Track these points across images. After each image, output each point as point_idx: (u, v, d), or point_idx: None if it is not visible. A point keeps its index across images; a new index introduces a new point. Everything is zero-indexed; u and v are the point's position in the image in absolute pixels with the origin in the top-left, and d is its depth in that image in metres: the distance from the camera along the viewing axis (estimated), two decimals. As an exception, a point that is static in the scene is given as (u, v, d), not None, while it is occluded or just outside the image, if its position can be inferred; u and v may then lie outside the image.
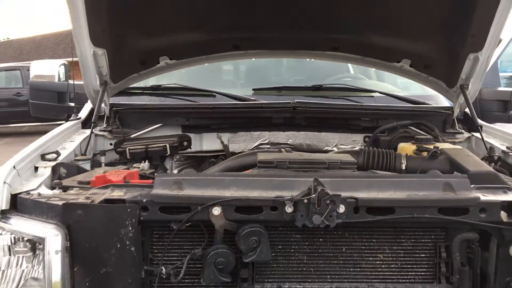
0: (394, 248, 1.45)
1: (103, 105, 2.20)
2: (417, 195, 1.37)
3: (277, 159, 1.62)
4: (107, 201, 1.32)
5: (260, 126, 2.26)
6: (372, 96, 2.49)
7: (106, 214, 1.30)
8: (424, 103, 2.42)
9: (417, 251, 1.46)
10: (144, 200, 1.32)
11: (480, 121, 2.32)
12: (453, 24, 2.05)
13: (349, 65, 2.94)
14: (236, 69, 2.96)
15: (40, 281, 1.32)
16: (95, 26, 1.91)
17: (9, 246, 1.34)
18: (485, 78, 2.79)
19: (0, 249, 1.34)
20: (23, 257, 1.35)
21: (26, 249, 1.34)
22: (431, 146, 1.86)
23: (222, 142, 2.27)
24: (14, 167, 1.46)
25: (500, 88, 2.79)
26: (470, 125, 2.38)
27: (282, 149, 1.98)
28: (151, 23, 2.05)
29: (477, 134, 2.23)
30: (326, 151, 2.19)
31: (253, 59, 2.62)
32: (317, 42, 2.22)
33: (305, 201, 1.29)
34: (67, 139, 1.99)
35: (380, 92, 2.47)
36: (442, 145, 1.89)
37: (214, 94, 2.39)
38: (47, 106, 2.88)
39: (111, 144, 2.19)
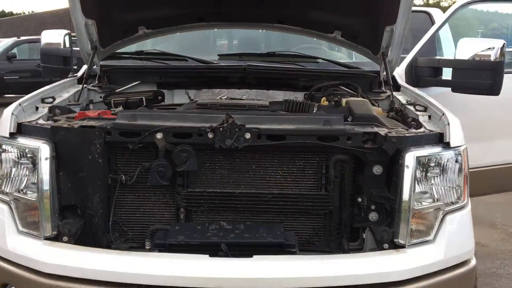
0: (290, 166, 1.99)
1: (96, 66, 2.79)
2: (303, 127, 1.91)
3: (210, 103, 2.19)
4: (82, 126, 1.90)
5: (220, 84, 2.80)
6: (317, 62, 3.00)
7: (80, 135, 1.88)
8: (357, 68, 2.92)
9: (307, 169, 1.99)
10: (108, 127, 1.89)
11: (402, 84, 2.82)
12: (371, 1, 2.54)
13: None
14: (209, 39, 3.49)
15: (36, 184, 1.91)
16: (86, 1, 2.47)
17: (15, 160, 1.93)
18: (424, 49, 3.29)
19: (10, 161, 1.93)
20: (25, 167, 1.93)
21: (28, 161, 1.92)
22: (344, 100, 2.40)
23: (189, 97, 2.82)
24: (20, 104, 2.05)
25: (433, 58, 3.25)
26: (395, 86, 2.88)
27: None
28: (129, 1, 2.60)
29: (396, 93, 2.73)
30: None
31: (224, 30, 3.16)
32: (266, 16, 2.74)
33: (221, 129, 1.85)
34: (63, 90, 2.57)
35: (323, 59, 2.98)
36: (352, 99, 2.41)
37: (186, 58, 2.94)
38: (55, 69, 3.46)
39: (101, 97, 2.76)
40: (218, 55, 3.02)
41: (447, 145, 1.93)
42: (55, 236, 1.86)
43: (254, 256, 1.73)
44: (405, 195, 1.84)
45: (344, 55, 3.30)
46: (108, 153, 1.94)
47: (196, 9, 2.69)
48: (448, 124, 1.96)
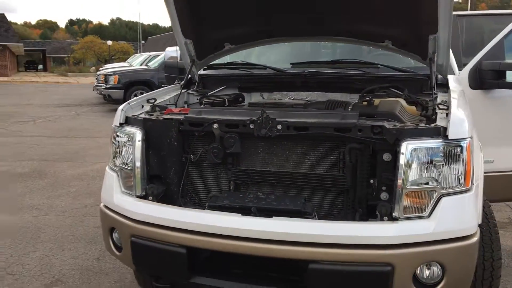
0: (315, 152, 2.50)
1: (195, 75, 3.58)
2: (323, 120, 2.42)
3: (257, 102, 2.79)
4: (164, 118, 2.65)
5: (288, 88, 3.39)
6: (378, 67, 3.41)
7: (162, 125, 2.62)
8: (412, 72, 3.26)
9: (328, 154, 2.49)
10: (181, 119, 2.61)
11: (453, 86, 3.11)
12: (411, 14, 2.91)
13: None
14: (284, 51, 4.07)
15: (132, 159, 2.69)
16: (184, 25, 3.24)
17: (123, 142, 2.74)
18: (491, 53, 3.50)
19: (120, 142, 2.75)
20: (127, 147, 2.73)
21: (129, 143, 2.72)
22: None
23: (263, 99, 3.45)
24: (128, 103, 2.87)
25: (495, 61, 3.42)
26: (446, 88, 3.16)
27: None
28: (217, 22, 3.31)
29: (442, 95, 3.03)
30: None
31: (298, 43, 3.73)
32: (326, 31, 3.25)
33: (258, 121, 2.45)
34: (166, 94, 3.38)
35: (382, 65, 3.37)
36: (386, 100, 2.82)
37: (265, 67, 3.58)
38: (173, 77, 4.36)
39: (197, 99, 3.53)
40: (290, 63, 3.61)
41: (446, 138, 2.28)
42: (143, 196, 2.63)
43: (274, 217, 2.29)
44: (399, 177, 2.24)
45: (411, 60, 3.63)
46: (182, 138, 2.66)
47: (268, 27, 3.30)
48: (449, 120, 2.30)
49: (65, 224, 4.74)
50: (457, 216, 2.28)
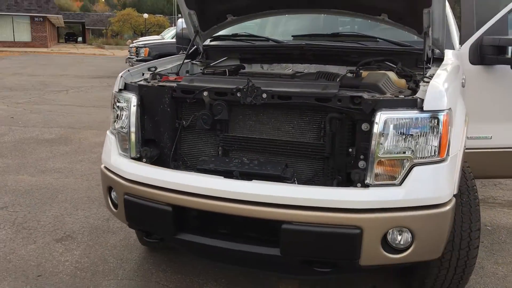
0: (299, 121, 2.61)
1: (199, 46, 3.70)
2: (305, 90, 2.52)
3: (248, 72, 2.90)
4: (158, 85, 2.80)
5: (287, 60, 3.48)
6: (377, 41, 3.45)
7: (156, 91, 2.78)
8: (409, 46, 3.29)
9: (311, 123, 2.59)
10: (174, 86, 2.76)
11: (448, 60, 3.13)
12: None
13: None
14: (288, 23, 4.13)
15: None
16: None
17: (121, 106, 2.91)
18: (493, 29, 3.48)
19: (119, 107, 2.92)
20: (124, 111, 2.87)
21: (126, 107, 2.87)
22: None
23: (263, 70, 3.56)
24: (128, 70, 3.03)
25: (496, 37, 3.39)
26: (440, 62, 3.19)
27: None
28: None
29: (435, 69, 3.06)
30: None
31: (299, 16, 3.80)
32: (324, 3, 3.31)
33: (244, 89, 2.57)
34: (169, 63, 3.52)
35: (381, 38, 3.41)
36: (374, 72, 2.88)
37: (267, 39, 3.67)
38: (184, 48, 4.50)
39: (201, 69, 3.67)
40: (292, 36, 3.69)
41: (421, 109, 2.34)
42: (138, 158, 2.80)
43: (253, 180, 2.43)
44: (372, 146, 2.34)
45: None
46: (175, 104, 2.80)
47: (268, -1, 3.38)
48: (425, 92, 2.36)
49: (82, 187, 5.01)
50: (428, 185, 2.36)
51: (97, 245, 3.64)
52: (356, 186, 2.40)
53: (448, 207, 2.39)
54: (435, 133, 2.36)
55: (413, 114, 2.34)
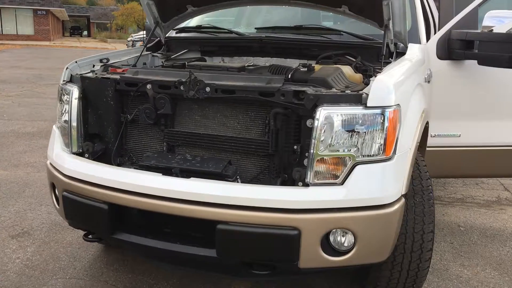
0: (245, 116, 2.49)
1: (161, 38, 3.59)
2: (248, 84, 2.40)
3: (195, 64, 2.78)
4: (101, 77, 2.69)
5: (247, 53, 3.36)
6: (341, 34, 3.32)
7: (99, 83, 2.67)
8: (372, 40, 3.16)
9: (257, 119, 2.47)
10: (117, 78, 2.65)
11: (409, 55, 3.00)
12: None
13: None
14: (251, 15, 4.01)
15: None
16: None
17: (66, 99, 2.80)
18: (462, 22, 3.34)
19: (64, 100, 2.82)
20: (67, 104, 2.76)
21: (68, 100, 2.75)
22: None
23: (224, 63, 3.44)
24: (76, 61, 2.92)
25: (463, 30, 3.24)
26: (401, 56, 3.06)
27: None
28: None
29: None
30: None
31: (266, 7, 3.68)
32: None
33: (187, 83, 2.45)
34: (126, 55, 3.40)
35: (345, 32, 3.28)
36: (326, 66, 2.76)
37: (229, 31, 3.55)
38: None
39: (162, 61, 3.56)
40: (255, 28, 3.56)
41: (365, 106, 2.22)
42: (80, 153, 2.70)
43: (191, 178, 2.32)
44: (312, 143, 2.22)
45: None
46: (120, 97, 2.69)
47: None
48: (371, 87, 2.24)
49: (52, 181, 4.92)
50: (372, 184, 2.24)
51: (53, 242, 3.55)
52: (297, 185, 2.28)
53: (394, 208, 2.27)
54: (380, 130, 2.24)
55: (356, 110, 2.22)
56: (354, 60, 3.01)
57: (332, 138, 2.22)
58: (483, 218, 4.28)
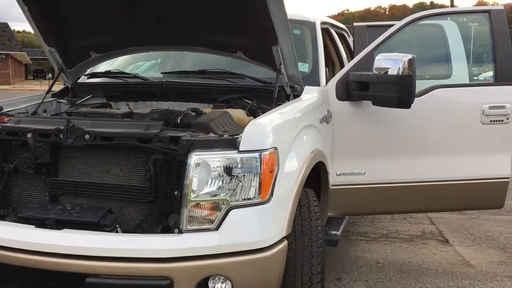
0: (127, 162, 2.46)
1: (69, 84, 3.56)
2: (126, 131, 2.39)
3: (80, 111, 2.77)
4: (-17, 127, 2.63)
5: (151, 97, 3.36)
6: (244, 78, 3.36)
7: None
8: (270, 83, 3.20)
9: (139, 165, 2.45)
10: None
11: (303, 97, 3.06)
12: (252, 25, 2.88)
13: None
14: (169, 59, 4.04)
15: None
16: (44, 33, 3.24)
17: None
18: (358, 66, 3.41)
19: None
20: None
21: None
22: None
23: (129, 108, 3.43)
24: None
25: (358, 72, 3.35)
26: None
27: None
28: (78, 31, 3.29)
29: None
30: None
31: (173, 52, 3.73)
32: (183, 41, 3.23)
33: (65, 131, 2.42)
34: (27, 102, 3.34)
35: (246, 76, 3.31)
36: (216, 110, 2.79)
37: (134, 75, 3.56)
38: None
39: (67, 108, 3.51)
40: (161, 72, 3.59)
41: (238, 150, 2.23)
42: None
43: (63, 230, 2.26)
44: (184, 188, 2.20)
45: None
46: (3, 147, 2.63)
47: (129, 36, 3.28)
48: (244, 131, 2.26)
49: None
50: (247, 228, 2.24)
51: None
52: (174, 232, 2.25)
53: (272, 251, 2.27)
54: (254, 174, 2.25)
55: (229, 154, 2.23)
56: (248, 102, 3.05)
57: (205, 183, 2.21)
58: (403, 254, 4.31)
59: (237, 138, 2.28)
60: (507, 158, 3.59)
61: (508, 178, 3.62)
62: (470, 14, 4.04)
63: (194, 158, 2.21)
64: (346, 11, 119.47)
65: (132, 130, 2.39)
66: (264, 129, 2.32)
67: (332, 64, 4.63)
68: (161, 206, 2.40)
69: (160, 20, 3.10)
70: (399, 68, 3.00)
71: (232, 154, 2.23)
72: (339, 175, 3.44)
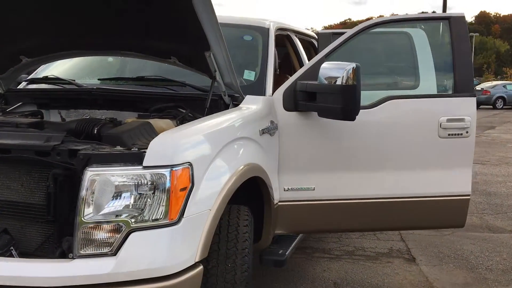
0: (29, 178, 2.22)
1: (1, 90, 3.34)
2: (24, 142, 2.16)
3: None
4: None
5: (82, 105, 3.13)
6: (184, 86, 3.14)
7: None
8: (206, 92, 2.97)
9: (39, 181, 2.21)
10: None
11: (242, 107, 2.85)
12: (182, 30, 2.66)
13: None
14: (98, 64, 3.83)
15: None
16: None
17: None
18: (306, 75, 3.18)
19: None
20: None
21: None
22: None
23: (61, 117, 3.20)
24: None
25: (304, 82, 3.12)
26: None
27: None
28: (6, 34, 3.08)
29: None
30: None
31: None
32: (115, 46, 3.01)
33: None
34: None
35: (186, 84, 3.08)
36: (137, 120, 2.56)
37: (69, 82, 3.32)
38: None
39: (-1, 116, 3.29)
40: (98, 79, 3.36)
41: (143, 166, 2.00)
42: None
43: None
44: (77, 208, 1.97)
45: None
46: None
47: (59, 39, 3.06)
48: (149, 144, 2.04)
49: None
50: (151, 253, 2.01)
51: None
52: (68, 257, 2.01)
53: (182, 278, 2.04)
54: (161, 192, 2.01)
55: (131, 171, 2.01)
56: (182, 111, 2.83)
57: (101, 202, 1.98)
58: (364, 273, 4.06)
59: (144, 152, 2.05)
60: (467, 174, 3.36)
61: (468, 195, 3.39)
62: (429, 22, 3.82)
63: (89, 174, 1.97)
64: (348, 21, 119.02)
65: (30, 142, 2.16)
66: (174, 143, 2.10)
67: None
68: (62, 227, 2.16)
69: (90, 24, 2.88)
70: (342, 77, 2.78)
71: (135, 170, 2.00)
72: (287, 190, 3.21)
